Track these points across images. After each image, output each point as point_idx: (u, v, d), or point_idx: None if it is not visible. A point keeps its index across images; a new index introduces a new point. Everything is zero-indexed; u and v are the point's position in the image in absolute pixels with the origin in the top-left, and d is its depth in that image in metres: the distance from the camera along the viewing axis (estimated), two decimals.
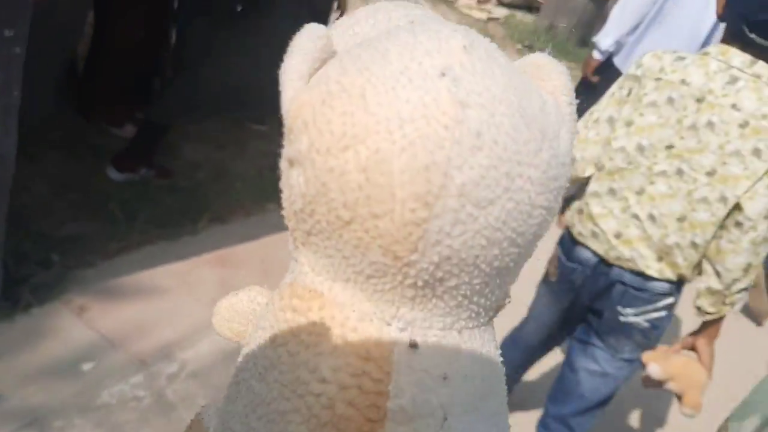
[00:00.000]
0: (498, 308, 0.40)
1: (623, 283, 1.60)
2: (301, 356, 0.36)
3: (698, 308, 1.58)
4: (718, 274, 1.51)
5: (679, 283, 1.61)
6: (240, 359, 0.40)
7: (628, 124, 1.56)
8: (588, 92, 3.26)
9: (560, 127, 0.36)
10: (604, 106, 1.64)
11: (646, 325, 1.64)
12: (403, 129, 0.31)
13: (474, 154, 0.31)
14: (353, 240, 0.34)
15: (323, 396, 0.35)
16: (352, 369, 0.35)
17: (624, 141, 1.56)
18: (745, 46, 1.44)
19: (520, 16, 7.42)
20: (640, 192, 1.55)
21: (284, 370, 0.36)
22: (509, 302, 0.41)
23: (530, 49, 6.62)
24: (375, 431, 0.35)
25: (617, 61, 3.14)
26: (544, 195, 0.34)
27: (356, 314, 0.36)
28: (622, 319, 1.65)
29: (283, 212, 0.38)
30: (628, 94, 1.58)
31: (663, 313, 1.63)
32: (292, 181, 0.35)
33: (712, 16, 2.88)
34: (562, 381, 1.87)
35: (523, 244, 0.35)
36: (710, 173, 1.46)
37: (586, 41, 6.93)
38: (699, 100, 1.46)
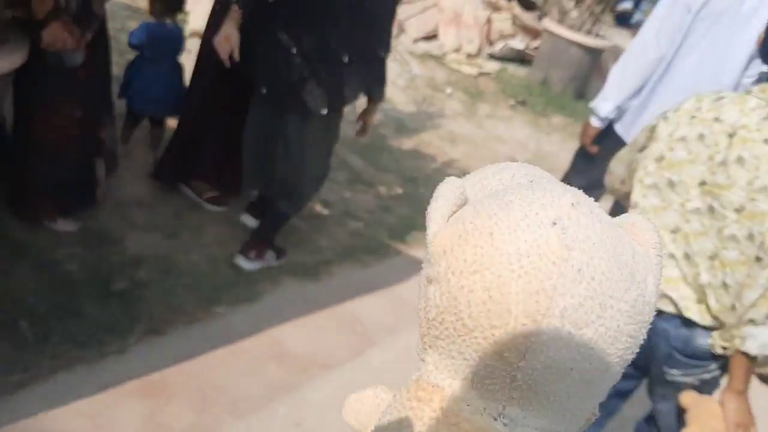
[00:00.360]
0: (587, 420, 0.47)
1: (668, 343, 1.56)
2: None
3: (712, 345, 1.53)
4: (733, 308, 1.47)
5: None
6: None
7: (659, 159, 1.54)
8: (586, 163, 2.88)
9: (647, 274, 0.45)
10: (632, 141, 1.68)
11: (695, 383, 1.60)
12: (520, 261, 0.41)
13: (575, 285, 0.41)
14: (474, 345, 0.43)
15: None
16: None
17: (655, 178, 1.55)
18: None
19: (512, 69, 7.09)
20: (675, 231, 1.52)
21: None
22: (596, 417, 0.48)
23: (524, 104, 6.28)
24: None
25: (619, 128, 2.75)
26: (631, 326, 0.43)
27: (470, 408, 0.44)
28: (668, 378, 1.62)
29: (419, 323, 0.47)
30: (653, 131, 1.59)
31: (716, 374, 1.59)
32: (429, 295, 0.45)
33: (731, 72, 2.53)
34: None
35: (611, 363, 0.43)
36: (738, 210, 1.42)
37: (582, 94, 6.60)
38: (731, 135, 1.44)
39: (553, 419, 0.44)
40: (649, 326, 1.59)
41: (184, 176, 3.19)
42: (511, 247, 0.41)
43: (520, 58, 7.30)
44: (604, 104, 2.70)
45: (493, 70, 6.92)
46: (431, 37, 7.06)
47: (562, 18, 6.71)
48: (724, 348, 1.51)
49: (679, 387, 1.61)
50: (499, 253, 0.41)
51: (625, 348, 0.44)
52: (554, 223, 0.41)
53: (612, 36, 7.20)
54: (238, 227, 3.10)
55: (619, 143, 2.75)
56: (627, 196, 1.70)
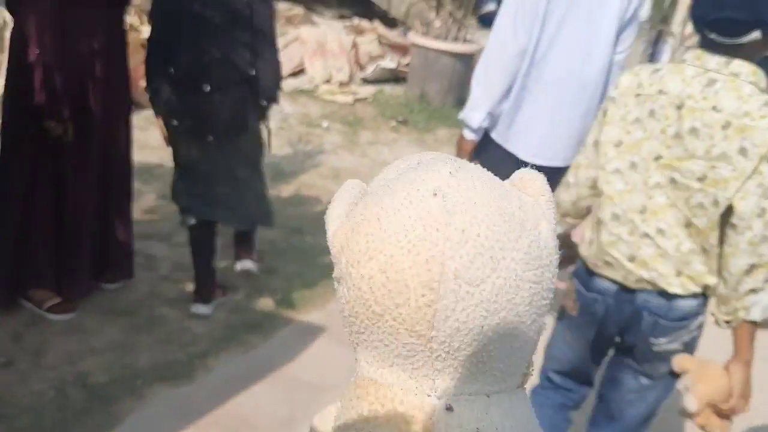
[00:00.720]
0: (524, 377, 0.49)
1: (651, 312, 1.58)
2: (364, 430, 0.46)
3: (716, 320, 1.56)
4: (724, 279, 1.49)
5: (704, 297, 1.58)
6: None
7: (618, 144, 1.57)
8: None
9: (540, 220, 0.46)
10: (589, 132, 1.71)
11: (679, 348, 1.63)
12: (407, 237, 0.43)
13: (462, 246, 0.42)
14: (388, 329, 0.44)
15: None
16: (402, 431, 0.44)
17: (617, 162, 1.57)
18: (711, 47, 1.47)
19: (389, 90, 6.84)
20: (642, 210, 1.54)
21: None
22: (533, 371, 0.50)
23: (405, 123, 6.01)
24: None
25: (496, 136, 2.45)
26: (531, 272, 0.44)
27: (402, 391, 0.46)
28: (656, 349, 1.63)
29: (344, 326, 0.49)
30: (604, 115, 1.62)
31: (696, 333, 1.63)
32: (340, 295, 0.48)
33: (600, 54, 2.31)
34: (604, 405, 1.83)
35: (521, 313, 0.44)
36: (701, 179, 1.45)
37: (462, 102, 6.36)
38: (679, 107, 1.47)
39: (485, 381, 0.45)
40: (630, 304, 1.60)
41: (20, 288, 2.68)
42: (397, 226, 0.43)
43: (395, 77, 7.07)
44: (474, 114, 2.39)
45: (369, 94, 6.64)
46: (298, 72, 6.72)
47: (427, 29, 6.53)
48: (728, 321, 1.53)
49: (665, 358, 1.63)
50: (387, 234, 0.43)
51: (531, 295, 0.44)
52: (434, 194, 0.43)
53: (480, 39, 7.05)
54: (92, 335, 2.60)
55: (500, 153, 2.47)
56: (582, 215, 1.78)
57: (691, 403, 1.56)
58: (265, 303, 2.99)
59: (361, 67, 7.01)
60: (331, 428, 0.50)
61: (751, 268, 1.44)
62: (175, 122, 2.67)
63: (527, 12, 2.26)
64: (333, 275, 0.49)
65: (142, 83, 2.81)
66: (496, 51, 2.35)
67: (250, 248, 3.22)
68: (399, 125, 5.96)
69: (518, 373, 0.48)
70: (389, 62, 7.03)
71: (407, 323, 0.43)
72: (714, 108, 1.41)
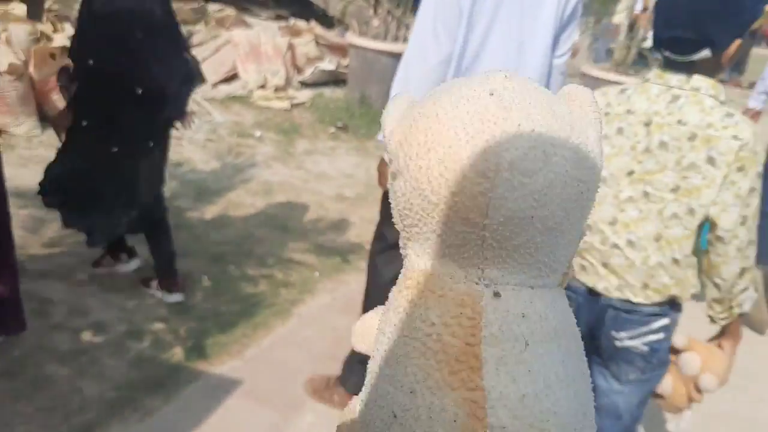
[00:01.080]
0: (564, 276, 0.50)
1: (614, 308, 1.63)
2: (414, 313, 0.48)
3: (711, 318, 1.66)
4: (717, 285, 1.58)
5: (671, 304, 1.63)
6: (374, 341, 0.52)
7: None
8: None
9: (587, 127, 0.48)
10: None
11: (644, 348, 1.65)
12: (465, 129, 0.44)
13: (517, 139, 0.43)
14: (442, 218, 0.45)
15: (434, 334, 0.46)
16: (452, 313, 0.46)
17: None
18: (669, 65, 1.57)
19: (329, 93, 6.49)
20: (613, 222, 1.60)
21: (403, 326, 0.48)
22: (573, 273, 0.51)
23: (345, 129, 5.67)
24: (474, 352, 0.45)
25: None
26: (579, 170, 0.45)
27: (452, 279, 0.47)
28: (618, 344, 1.66)
29: (395, 222, 0.50)
30: None
31: (660, 335, 1.64)
32: (396, 189, 0.48)
33: (537, 58, 2.04)
34: None
35: (568, 208, 0.46)
36: (674, 189, 1.52)
37: None
38: (647, 124, 1.55)
39: (529, 273, 0.47)
40: (596, 303, 1.66)
41: None
42: (455, 120, 0.44)
43: (334, 80, 6.72)
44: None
45: (308, 98, 6.28)
46: (231, 77, 6.31)
47: (365, 29, 6.19)
48: (724, 318, 1.64)
49: (630, 360, 1.68)
50: (446, 128, 0.44)
51: (578, 192, 0.46)
52: (491, 94, 0.45)
53: None
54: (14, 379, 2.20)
55: None
56: None
57: (710, 381, 1.69)
58: (172, 353, 2.61)
59: (299, 70, 6.64)
60: (383, 322, 0.51)
61: (743, 272, 1.55)
62: (84, 123, 2.63)
63: (449, 14, 1.94)
64: (390, 172, 0.49)
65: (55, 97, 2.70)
66: (416, 60, 2.02)
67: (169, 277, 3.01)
68: (338, 131, 5.62)
69: (560, 270, 0.49)
70: (328, 64, 6.68)
71: (462, 212, 0.44)
72: (679, 122, 1.51)
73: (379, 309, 0.57)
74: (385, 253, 2.26)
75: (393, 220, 0.51)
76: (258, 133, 5.33)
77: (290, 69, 6.52)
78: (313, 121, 5.83)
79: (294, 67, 6.60)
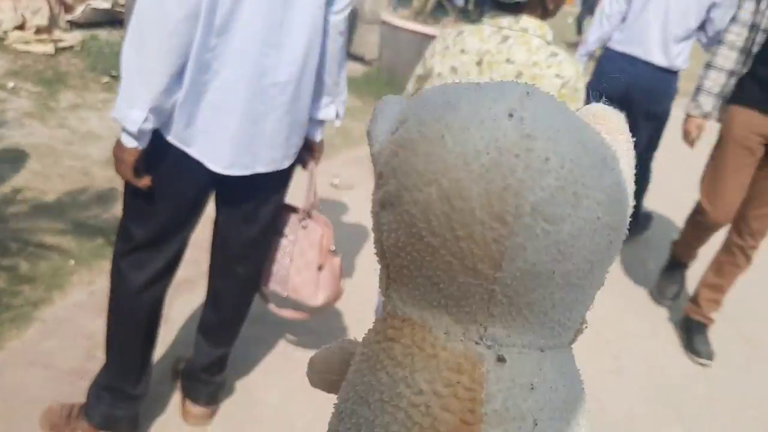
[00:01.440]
0: (576, 332, 0.43)
1: None
2: (398, 375, 0.39)
3: None
4: None
5: None
6: (339, 395, 0.44)
7: None
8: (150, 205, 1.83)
9: (619, 161, 0.40)
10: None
11: None
12: (479, 160, 0.35)
13: (543, 177, 0.35)
14: (442, 265, 0.37)
15: (422, 405, 0.38)
16: (446, 380, 0.38)
17: None
18: (500, 7, 1.64)
19: (104, 35, 5.70)
20: None
21: (384, 389, 0.39)
22: (586, 327, 0.43)
23: (117, 79, 4.98)
24: None
25: (173, 138, 1.73)
26: (610, 216, 0.38)
27: (447, 336, 0.39)
28: None
29: (375, 254, 0.42)
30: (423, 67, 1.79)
31: None
32: (383, 221, 0.39)
33: (307, 16, 1.78)
34: None
35: (595, 261, 0.38)
36: None
37: None
38: (479, 63, 1.62)
39: (540, 333, 0.40)
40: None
41: None
42: (465, 147, 0.36)
43: (111, 20, 5.92)
44: (130, 112, 1.62)
45: (78, 42, 5.46)
46: None
47: None
48: None
49: None
50: (453, 155, 0.36)
51: (607, 242, 0.38)
52: (510, 115, 0.36)
53: None
54: None
55: (184, 161, 1.76)
56: None
57: None
58: None
59: (67, 8, 5.75)
60: (351, 371, 0.43)
61: None
62: None
63: None
64: (374, 199, 0.40)
65: None
66: (153, 17, 1.59)
67: None
68: (114, 81, 4.93)
69: (574, 328, 0.42)
70: (103, 2, 5.85)
71: (468, 260, 0.36)
72: (508, 60, 1.58)
73: (345, 343, 0.51)
74: (131, 255, 1.82)
75: (375, 253, 0.43)
76: (11, 84, 4.50)
77: (56, 6, 5.62)
78: (83, 68, 5.07)
79: (61, 3, 5.69)
